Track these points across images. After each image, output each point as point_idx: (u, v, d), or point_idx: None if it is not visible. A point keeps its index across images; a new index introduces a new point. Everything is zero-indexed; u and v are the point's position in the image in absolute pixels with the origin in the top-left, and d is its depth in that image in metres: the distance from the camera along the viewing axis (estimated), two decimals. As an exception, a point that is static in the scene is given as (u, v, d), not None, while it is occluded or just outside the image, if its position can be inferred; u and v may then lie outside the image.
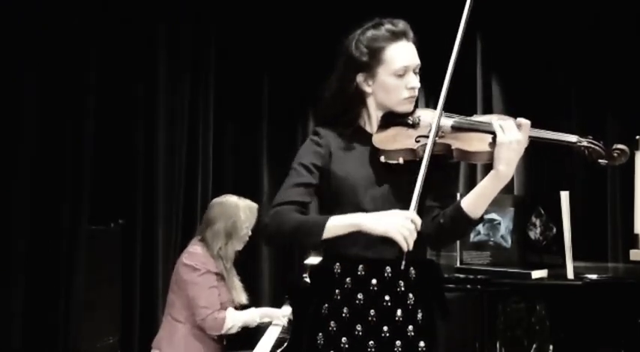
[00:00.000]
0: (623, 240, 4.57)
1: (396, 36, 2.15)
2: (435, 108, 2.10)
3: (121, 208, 4.58)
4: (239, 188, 4.56)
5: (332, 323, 2.11)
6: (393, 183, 2.12)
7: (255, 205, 3.84)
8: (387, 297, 2.10)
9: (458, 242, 3.11)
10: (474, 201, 2.04)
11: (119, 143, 4.61)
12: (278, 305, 4.02)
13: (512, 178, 4.48)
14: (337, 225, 2.03)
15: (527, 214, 3.08)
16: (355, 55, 2.16)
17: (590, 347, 2.96)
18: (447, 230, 2.08)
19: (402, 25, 2.17)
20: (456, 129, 2.10)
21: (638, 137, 3.77)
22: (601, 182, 4.76)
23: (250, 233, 3.80)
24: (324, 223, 2.02)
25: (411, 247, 1.96)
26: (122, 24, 4.50)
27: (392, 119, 2.17)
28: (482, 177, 2.06)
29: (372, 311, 2.09)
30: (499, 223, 3.13)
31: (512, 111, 2.50)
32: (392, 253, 2.00)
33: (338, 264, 2.13)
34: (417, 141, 2.09)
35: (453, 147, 2.06)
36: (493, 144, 2.01)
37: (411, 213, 1.98)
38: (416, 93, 2.17)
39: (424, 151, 2.04)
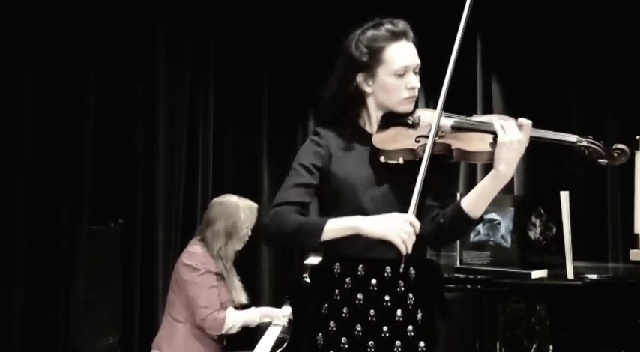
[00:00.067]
0: (623, 240, 4.57)
1: (396, 36, 2.15)
2: (435, 108, 2.10)
3: (121, 208, 4.58)
4: (239, 188, 4.56)
5: (332, 323, 2.11)
6: (393, 183, 2.12)
7: (255, 205, 3.84)
8: (387, 297, 2.09)
9: (458, 242, 3.11)
10: (474, 201, 2.04)
11: (119, 143, 4.61)
12: (278, 305, 4.02)
13: (512, 178, 4.48)
14: (336, 227, 2.03)
15: (527, 214, 3.08)
16: (355, 55, 2.16)
17: (590, 347, 2.96)
18: (447, 230, 2.08)
19: (402, 25, 2.17)
20: (456, 129, 2.10)
21: (638, 137, 3.77)
22: (601, 182, 4.76)
23: (250, 233, 3.80)
24: (323, 225, 2.02)
25: (410, 250, 1.96)
26: (122, 24, 4.50)
27: (392, 119, 2.17)
28: (482, 177, 2.06)
29: (371, 311, 2.09)
30: (499, 223, 3.13)
31: (512, 111, 2.50)
32: (392, 253, 2.00)
33: (338, 263, 2.13)
34: (417, 141, 2.09)
35: (453, 147, 2.06)
36: (494, 144, 2.01)
37: (410, 216, 1.98)
38: (416, 93, 2.17)
39: (424, 151, 2.04)
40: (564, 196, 2.90)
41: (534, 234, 3.05)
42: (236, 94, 5.43)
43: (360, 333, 2.09)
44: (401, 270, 2.01)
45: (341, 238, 2.03)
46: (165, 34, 4.82)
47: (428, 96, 4.42)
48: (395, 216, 1.99)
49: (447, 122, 2.11)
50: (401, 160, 2.09)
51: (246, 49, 5.36)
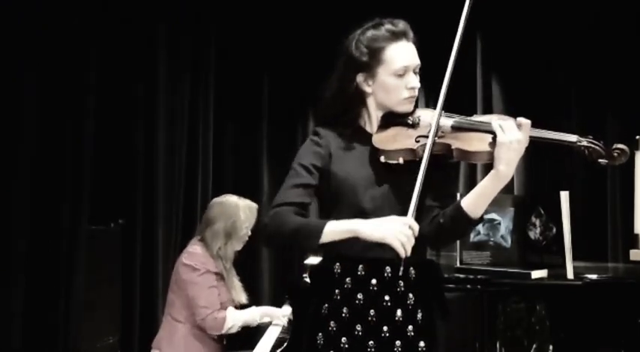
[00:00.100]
0: (623, 240, 4.57)
1: (396, 36, 2.15)
2: (435, 108, 2.10)
3: (121, 208, 4.58)
4: (239, 188, 4.56)
5: (332, 323, 2.11)
6: (393, 183, 2.12)
7: (255, 205, 3.84)
8: (386, 297, 2.09)
9: (458, 242, 3.11)
10: (474, 201, 2.04)
11: (119, 143, 4.61)
12: (278, 305, 4.02)
13: (512, 178, 4.47)
14: (335, 230, 2.03)
15: (527, 214, 3.08)
16: (355, 55, 2.16)
17: (590, 347, 2.96)
18: (447, 230, 2.08)
19: (402, 25, 2.17)
20: (456, 129, 2.10)
21: (638, 137, 3.77)
22: (601, 182, 4.76)
23: (250, 233, 3.80)
24: (322, 227, 2.02)
25: (409, 253, 1.96)
26: (122, 24, 4.50)
27: (392, 119, 2.17)
28: (482, 177, 2.06)
29: (371, 311, 2.09)
30: (499, 223, 3.13)
31: (512, 111, 2.50)
32: (391, 253, 2.00)
33: (338, 263, 2.13)
34: (417, 141, 2.09)
35: (452, 147, 2.06)
36: (493, 144, 2.01)
37: (409, 219, 1.97)
38: (416, 93, 2.17)
39: (424, 151, 2.04)
40: (564, 196, 2.90)
41: (534, 234, 3.05)
42: (236, 94, 5.43)
43: (360, 333, 2.09)
44: (400, 273, 2.01)
45: (340, 239, 2.03)
46: (165, 34, 4.82)
47: (428, 96, 4.42)
48: (393, 219, 1.99)
49: (447, 122, 2.11)
50: (401, 160, 2.09)
51: (246, 49, 5.36)
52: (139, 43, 4.67)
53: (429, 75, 2.30)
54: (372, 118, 2.21)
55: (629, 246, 3.91)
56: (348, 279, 2.12)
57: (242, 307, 3.76)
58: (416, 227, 1.97)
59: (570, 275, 2.90)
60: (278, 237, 2.09)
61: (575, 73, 4.95)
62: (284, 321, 3.71)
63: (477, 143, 2.05)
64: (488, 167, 2.04)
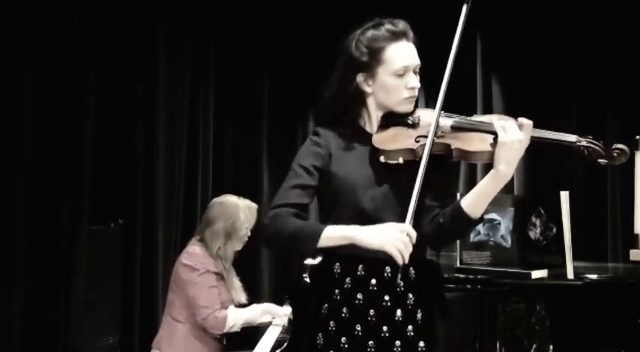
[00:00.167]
0: (623, 240, 4.57)
1: (396, 36, 2.15)
2: (434, 108, 2.10)
3: (121, 208, 4.58)
4: (239, 188, 4.56)
5: (332, 323, 2.11)
6: (392, 183, 2.12)
7: (255, 205, 3.84)
8: (386, 297, 2.10)
9: (458, 242, 3.11)
10: (473, 201, 2.04)
11: (119, 143, 4.61)
12: (278, 305, 4.01)
13: (512, 178, 4.47)
14: (332, 236, 2.03)
15: (527, 214, 3.08)
16: (355, 55, 2.16)
17: (590, 347, 2.96)
18: (447, 229, 2.08)
19: (402, 25, 2.17)
20: (456, 128, 2.10)
21: (638, 137, 3.77)
22: (601, 182, 4.76)
23: (250, 233, 3.80)
24: (320, 232, 2.03)
25: (406, 260, 1.95)
26: (122, 24, 4.50)
27: (392, 119, 2.17)
28: (482, 177, 2.06)
29: (371, 311, 2.09)
30: (499, 223, 3.13)
31: (512, 111, 2.50)
32: (390, 259, 2.00)
33: (338, 264, 2.13)
34: (417, 141, 2.09)
35: (452, 147, 2.06)
36: (494, 144, 2.01)
37: (406, 225, 1.97)
38: (416, 93, 2.17)
39: (424, 151, 2.04)
40: (564, 196, 2.90)
41: (534, 234, 3.05)
42: (236, 94, 5.43)
43: (360, 333, 2.09)
44: (398, 281, 2.02)
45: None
46: (165, 34, 4.82)
47: (428, 96, 4.42)
48: (391, 226, 1.99)
49: (447, 122, 2.11)
50: (401, 160, 2.09)
51: (246, 49, 5.36)
52: (139, 43, 4.67)
53: (429, 75, 2.30)
54: (372, 118, 2.21)
55: (629, 246, 3.91)
56: (347, 279, 2.12)
57: (242, 307, 3.75)
58: (413, 234, 1.97)
59: (570, 275, 2.90)
60: (276, 240, 2.09)
61: (575, 73, 4.95)
62: (285, 320, 3.70)
63: (476, 143, 2.05)
64: (488, 167, 2.04)
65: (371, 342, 2.08)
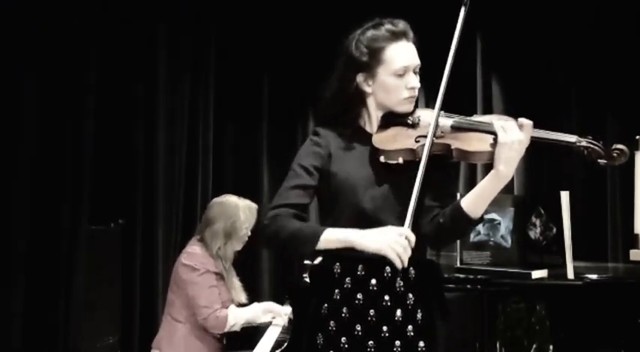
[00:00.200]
0: (623, 240, 4.57)
1: (396, 36, 2.15)
2: (434, 108, 2.10)
3: (121, 208, 4.58)
4: (239, 188, 4.56)
5: (331, 323, 2.11)
6: (392, 183, 2.12)
7: (254, 205, 3.84)
8: (386, 297, 2.09)
9: (458, 242, 3.11)
10: (473, 201, 2.04)
11: (119, 143, 4.61)
12: (278, 304, 4.01)
13: (513, 178, 4.47)
14: (331, 239, 2.04)
15: (527, 214, 3.08)
16: (355, 55, 2.16)
17: (590, 347, 2.96)
18: (447, 230, 2.08)
19: (402, 25, 2.17)
20: (456, 129, 2.10)
21: (638, 137, 3.77)
22: (601, 182, 4.76)
23: (250, 233, 3.80)
24: (319, 235, 2.03)
25: (405, 264, 1.96)
26: (122, 24, 4.50)
27: (392, 119, 2.17)
28: (483, 177, 2.06)
29: (371, 311, 2.09)
30: (499, 223, 3.13)
31: (512, 111, 2.50)
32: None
33: (338, 263, 2.13)
34: (417, 141, 2.09)
35: (452, 147, 2.06)
36: (494, 144, 2.01)
37: (405, 229, 1.97)
38: (416, 93, 2.18)
39: (424, 151, 2.04)
40: (564, 196, 2.90)
41: (534, 234, 3.05)
42: (236, 94, 5.43)
43: (360, 333, 2.09)
44: (397, 285, 2.02)
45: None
46: (165, 34, 4.82)
47: (428, 96, 4.42)
48: (390, 230, 1.99)
49: (447, 122, 2.11)
50: (401, 160, 2.09)
51: (246, 49, 5.36)
52: (139, 43, 4.67)
53: (429, 75, 2.30)
54: (372, 118, 2.21)
55: (629, 246, 3.91)
56: (347, 279, 2.12)
57: (242, 307, 3.75)
58: (412, 237, 1.97)
59: (570, 275, 2.90)
60: (276, 240, 2.09)
61: (575, 73, 4.95)
62: (285, 319, 3.70)
63: (476, 143, 2.05)
64: (488, 167, 2.04)
65: (371, 342, 2.08)
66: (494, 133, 2.01)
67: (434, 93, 2.13)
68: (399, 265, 1.95)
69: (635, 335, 2.91)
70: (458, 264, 3.14)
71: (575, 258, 2.93)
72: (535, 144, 2.06)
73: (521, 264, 3.06)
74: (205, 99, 5.22)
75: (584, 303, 2.95)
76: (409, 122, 2.15)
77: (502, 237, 3.12)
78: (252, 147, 5.47)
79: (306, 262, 3.36)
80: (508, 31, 5.09)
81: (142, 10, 4.64)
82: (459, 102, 2.38)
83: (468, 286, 3.02)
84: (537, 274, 2.95)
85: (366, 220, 2.08)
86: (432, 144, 2.04)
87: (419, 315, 2.11)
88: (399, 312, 2.09)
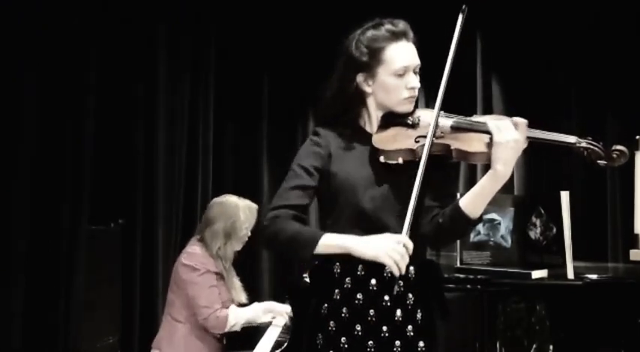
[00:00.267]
0: (623, 240, 4.57)
1: (396, 36, 2.15)
2: (434, 108, 2.10)
3: (121, 208, 4.58)
4: (239, 188, 4.56)
5: (331, 323, 2.11)
6: (392, 183, 2.12)
7: (255, 205, 3.84)
8: (386, 297, 2.09)
9: (458, 242, 3.11)
10: (472, 201, 2.04)
11: (119, 143, 4.61)
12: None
13: (512, 178, 4.48)
14: (329, 244, 2.03)
15: (527, 214, 3.08)
16: (355, 55, 2.16)
17: (590, 347, 2.96)
18: (447, 230, 2.08)
19: (402, 25, 2.17)
20: (456, 129, 2.10)
21: (638, 137, 3.77)
22: (601, 182, 4.76)
23: (250, 233, 3.80)
24: (317, 239, 2.03)
25: (403, 272, 1.96)
26: (122, 24, 4.50)
27: (392, 119, 2.17)
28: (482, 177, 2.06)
29: (371, 311, 2.09)
30: (499, 223, 3.13)
31: (512, 111, 2.50)
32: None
33: (337, 263, 2.13)
34: (417, 142, 2.09)
35: (452, 148, 2.06)
36: (490, 144, 2.01)
37: (403, 236, 1.97)
38: (416, 93, 2.18)
39: (423, 151, 2.04)
40: (564, 196, 2.90)
41: (534, 234, 3.05)
42: (236, 94, 5.43)
43: (360, 333, 2.09)
44: (394, 292, 2.02)
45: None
46: (165, 34, 4.82)
47: (428, 96, 4.42)
48: (387, 237, 1.99)
49: (447, 122, 2.11)
50: (400, 160, 2.09)
51: (246, 49, 5.36)
52: (139, 43, 4.67)
53: (429, 75, 2.30)
54: (372, 118, 2.21)
55: (629, 246, 3.91)
56: (347, 279, 2.12)
57: (242, 307, 3.75)
58: (410, 245, 1.97)
59: (570, 275, 2.90)
60: (275, 242, 2.09)
61: (575, 73, 4.95)
62: (286, 318, 3.70)
63: (476, 143, 2.05)
64: (488, 167, 2.04)
65: (371, 342, 2.08)
66: (490, 133, 2.01)
67: (434, 93, 2.13)
68: (396, 273, 1.95)
69: (635, 335, 2.91)
70: (458, 264, 3.14)
71: (575, 258, 2.93)
72: (535, 145, 2.06)
73: (521, 264, 3.06)
74: (205, 99, 5.22)
75: (584, 303, 2.95)
76: (409, 122, 2.15)
77: (502, 237, 3.12)
78: (252, 147, 5.47)
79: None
80: (508, 31, 5.09)
81: (142, 10, 4.64)
82: (459, 103, 2.38)
83: (468, 286, 3.02)
84: (537, 274, 2.95)
85: (366, 220, 2.08)
86: (432, 144, 2.04)
87: (419, 315, 2.11)
88: (398, 312, 2.09)
